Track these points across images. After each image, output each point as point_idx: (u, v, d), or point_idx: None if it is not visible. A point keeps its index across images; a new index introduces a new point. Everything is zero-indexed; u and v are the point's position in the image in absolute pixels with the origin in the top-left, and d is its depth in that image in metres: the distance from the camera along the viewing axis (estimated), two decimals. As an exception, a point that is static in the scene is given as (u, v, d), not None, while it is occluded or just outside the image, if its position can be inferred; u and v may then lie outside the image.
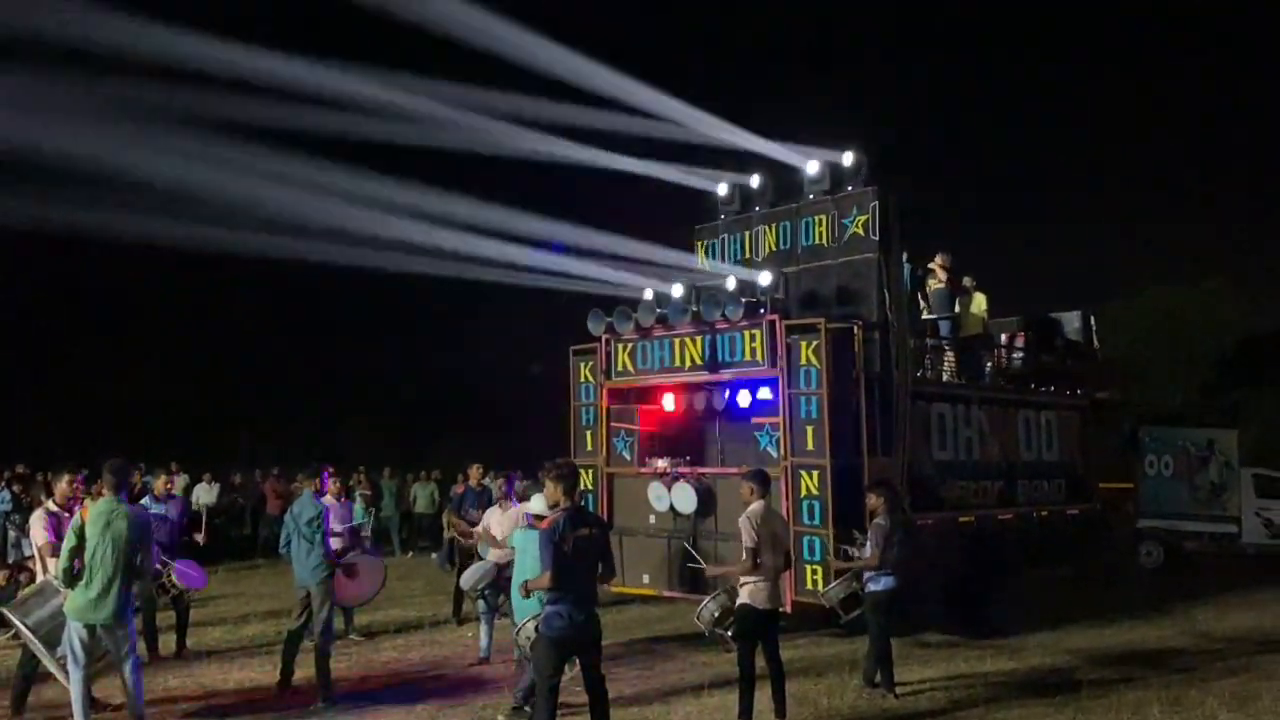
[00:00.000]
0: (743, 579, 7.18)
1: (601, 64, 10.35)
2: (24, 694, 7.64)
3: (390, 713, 7.84)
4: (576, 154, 11.40)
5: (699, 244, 12.80)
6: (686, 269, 12.31)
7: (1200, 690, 8.18)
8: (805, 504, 9.80)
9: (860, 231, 11.10)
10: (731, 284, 11.40)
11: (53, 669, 7.02)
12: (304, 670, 8.41)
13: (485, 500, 11.42)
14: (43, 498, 9.47)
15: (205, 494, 19.49)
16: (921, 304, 12.73)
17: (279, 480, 19.36)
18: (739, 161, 12.25)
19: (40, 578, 7.74)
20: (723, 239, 12.56)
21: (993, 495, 11.86)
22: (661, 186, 12.42)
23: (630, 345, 11.52)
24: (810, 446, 9.85)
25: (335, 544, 9.32)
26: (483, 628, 9.67)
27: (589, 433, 11.94)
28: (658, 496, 10.88)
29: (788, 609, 9.19)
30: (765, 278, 11.29)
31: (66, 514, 7.68)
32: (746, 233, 12.26)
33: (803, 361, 9.98)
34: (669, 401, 11.83)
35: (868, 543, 8.35)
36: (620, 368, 11.63)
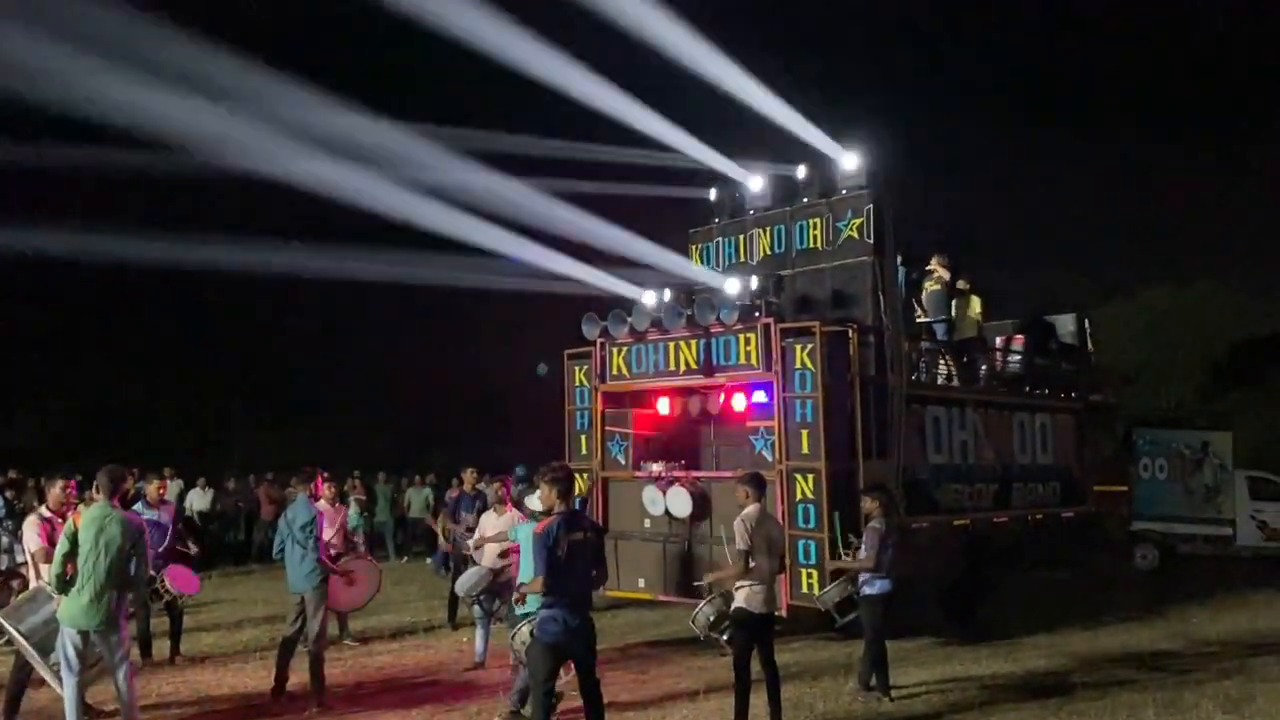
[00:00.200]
0: (738, 583, 7.17)
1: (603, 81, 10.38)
2: (17, 700, 7.60)
3: (385, 718, 7.82)
4: (572, 155, 11.42)
5: (694, 247, 12.81)
6: (681, 272, 12.32)
7: (1195, 692, 8.19)
8: (801, 508, 9.80)
9: (855, 235, 11.12)
10: (726, 287, 11.40)
11: (46, 676, 6.99)
12: (298, 676, 8.37)
13: (480, 505, 11.40)
14: (36, 503, 9.45)
15: (199, 500, 19.44)
16: (916, 307, 12.75)
17: (273, 485, 19.32)
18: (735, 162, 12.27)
19: (33, 584, 7.70)
20: (717, 242, 12.58)
21: (988, 498, 11.87)
22: (656, 188, 12.43)
23: (625, 349, 11.51)
24: (805, 450, 9.85)
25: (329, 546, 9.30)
26: (478, 632, 9.65)
27: (584, 437, 11.93)
28: (653, 500, 10.87)
29: (783, 613, 9.20)
30: (760, 281, 11.31)
31: (60, 519, 7.64)
32: (741, 236, 12.27)
33: (798, 365, 9.98)
34: (664, 405, 11.83)
35: (863, 546, 8.35)
36: (615, 371, 11.62)
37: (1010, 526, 12.00)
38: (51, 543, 7.35)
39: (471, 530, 10.42)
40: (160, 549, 9.45)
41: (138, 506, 9.56)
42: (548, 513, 6.29)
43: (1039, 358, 13.76)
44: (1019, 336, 13.91)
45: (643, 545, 11.05)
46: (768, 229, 12.04)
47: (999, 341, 13.68)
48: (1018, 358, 13.50)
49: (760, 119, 11.40)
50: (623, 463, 11.64)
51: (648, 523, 11.04)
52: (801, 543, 9.72)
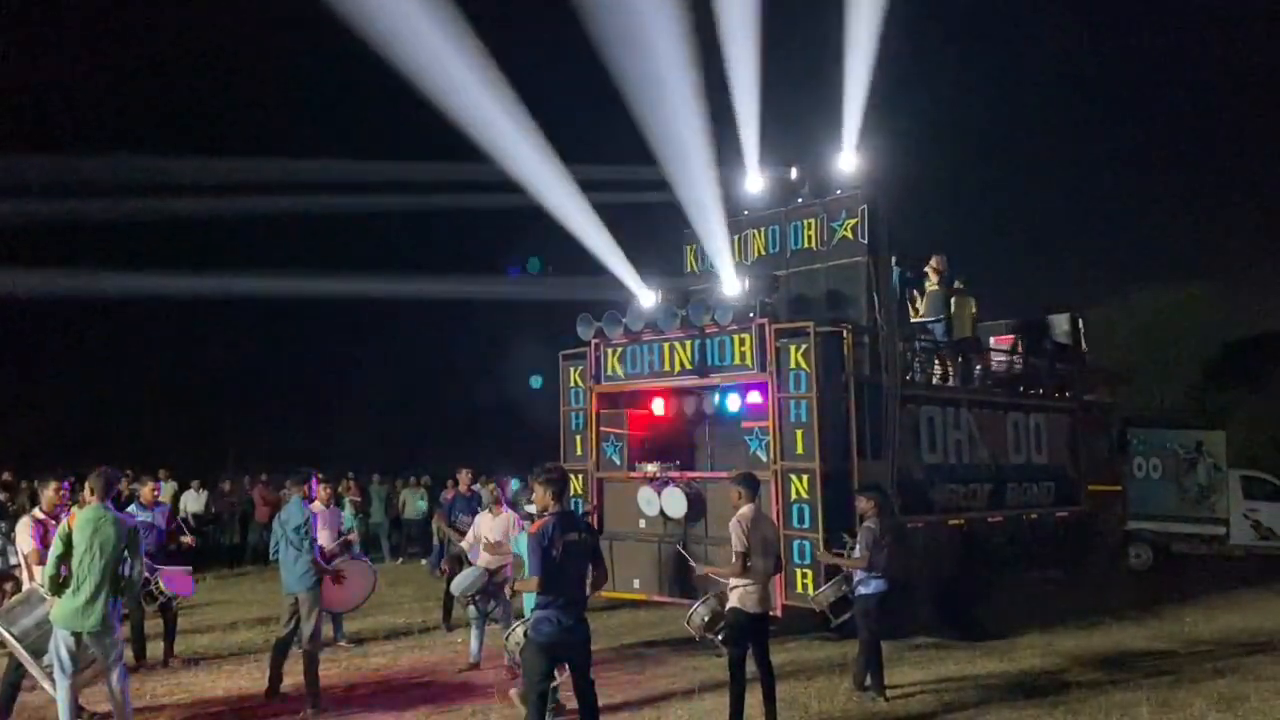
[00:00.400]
0: (733, 583, 7.17)
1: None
2: (10, 702, 7.58)
3: (379, 719, 7.80)
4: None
5: (689, 248, 12.82)
6: (676, 273, 12.34)
7: (1189, 691, 8.21)
8: (795, 508, 9.81)
9: (849, 235, 11.14)
10: (721, 288, 11.41)
11: (39, 678, 6.97)
12: (293, 677, 8.35)
13: (475, 506, 11.39)
14: (29, 505, 9.42)
15: (193, 501, 19.39)
16: (910, 307, 12.77)
17: (267, 487, 19.29)
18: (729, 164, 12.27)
19: (26, 586, 7.68)
20: (712, 243, 12.56)
21: (982, 498, 11.89)
22: (650, 188, 12.43)
23: (620, 350, 11.52)
24: (800, 450, 9.86)
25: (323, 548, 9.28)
26: (473, 633, 9.65)
27: (579, 437, 11.93)
28: (648, 501, 10.87)
29: (778, 613, 9.19)
30: (754, 282, 11.32)
31: (53, 521, 7.63)
32: (736, 237, 12.28)
33: (792, 365, 9.99)
34: (659, 406, 11.85)
35: (858, 546, 8.36)
36: (610, 372, 11.63)
37: (1005, 526, 12.02)
38: (45, 544, 7.33)
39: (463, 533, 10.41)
40: (154, 550, 9.43)
41: (131, 508, 9.53)
42: (543, 513, 6.28)
43: (1033, 358, 13.80)
44: (1013, 336, 13.95)
45: (638, 546, 11.05)
46: (763, 229, 12.06)
47: (993, 341, 13.70)
48: (1011, 357, 13.53)
49: (755, 118, 11.42)
50: (618, 463, 11.64)
51: (643, 523, 11.04)
52: (796, 543, 9.73)
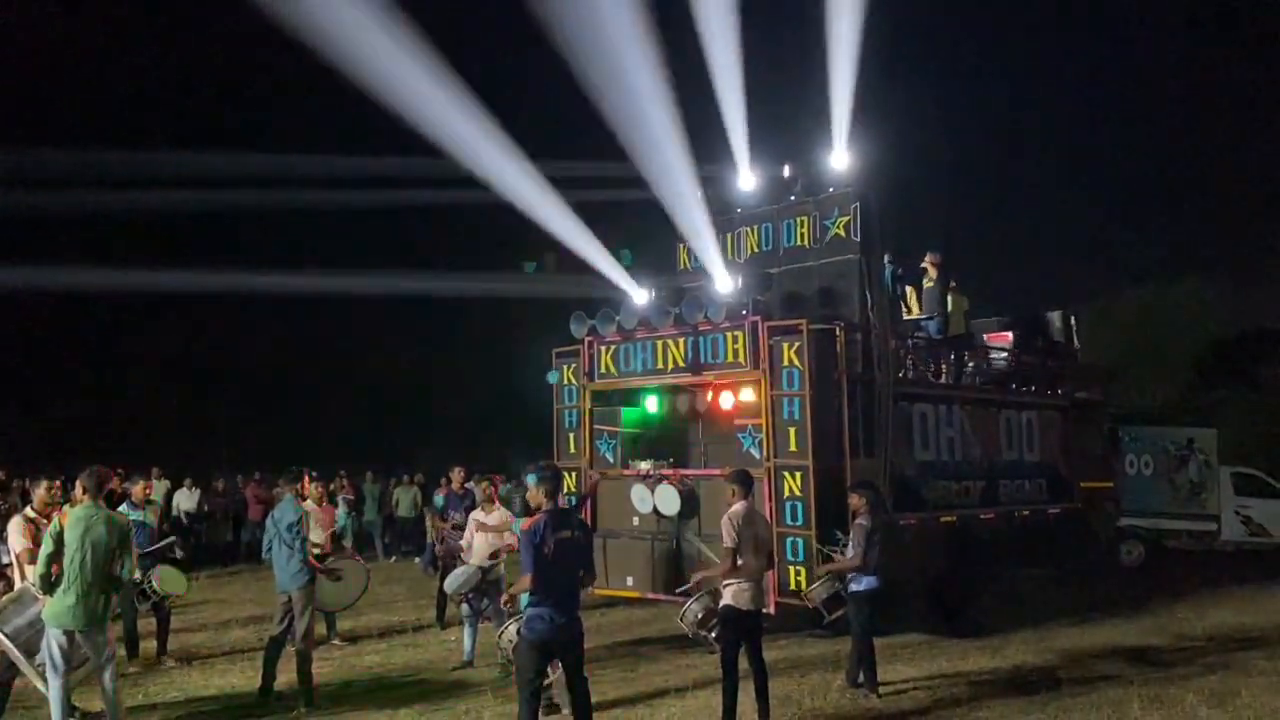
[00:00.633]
0: (725, 580, 7.18)
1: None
2: (3, 701, 7.56)
3: (373, 717, 7.80)
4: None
5: (681, 246, 12.82)
6: (669, 271, 12.34)
7: (1180, 687, 8.24)
8: (788, 505, 9.82)
9: (841, 233, 11.16)
10: (714, 286, 11.42)
11: (31, 676, 6.96)
12: (286, 676, 8.36)
13: (469, 504, 11.38)
14: (20, 504, 9.39)
15: (186, 500, 19.35)
16: (903, 305, 12.79)
17: (260, 485, 19.25)
18: (721, 162, 12.28)
19: (18, 585, 7.67)
20: (705, 241, 12.56)
21: (975, 495, 11.91)
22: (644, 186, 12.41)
23: (613, 347, 11.52)
24: (793, 448, 9.87)
25: (315, 549, 9.27)
26: (466, 631, 9.65)
27: (572, 435, 11.93)
28: (641, 498, 10.88)
29: (771, 610, 9.21)
30: (747, 279, 11.33)
31: (45, 520, 7.61)
32: (729, 234, 12.29)
33: (785, 363, 10.00)
34: (652, 403, 11.85)
35: (850, 543, 8.37)
36: (603, 370, 11.63)
37: (997, 523, 12.03)
38: (37, 543, 7.31)
39: (460, 529, 10.41)
40: (147, 549, 9.41)
41: (123, 507, 9.50)
42: (536, 511, 6.29)
43: (1026, 355, 13.83)
44: (1005, 334, 13.98)
45: (631, 543, 11.06)
46: (755, 227, 12.06)
47: (986, 339, 13.73)
48: (1004, 355, 13.56)
49: (749, 117, 11.42)
50: (611, 461, 11.64)
51: (636, 521, 11.04)
52: (789, 540, 9.74)
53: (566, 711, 6.73)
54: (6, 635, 6.96)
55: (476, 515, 9.80)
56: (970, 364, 12.95)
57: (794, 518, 9.77)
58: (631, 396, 11.87)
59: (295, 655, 8.13)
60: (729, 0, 9.81)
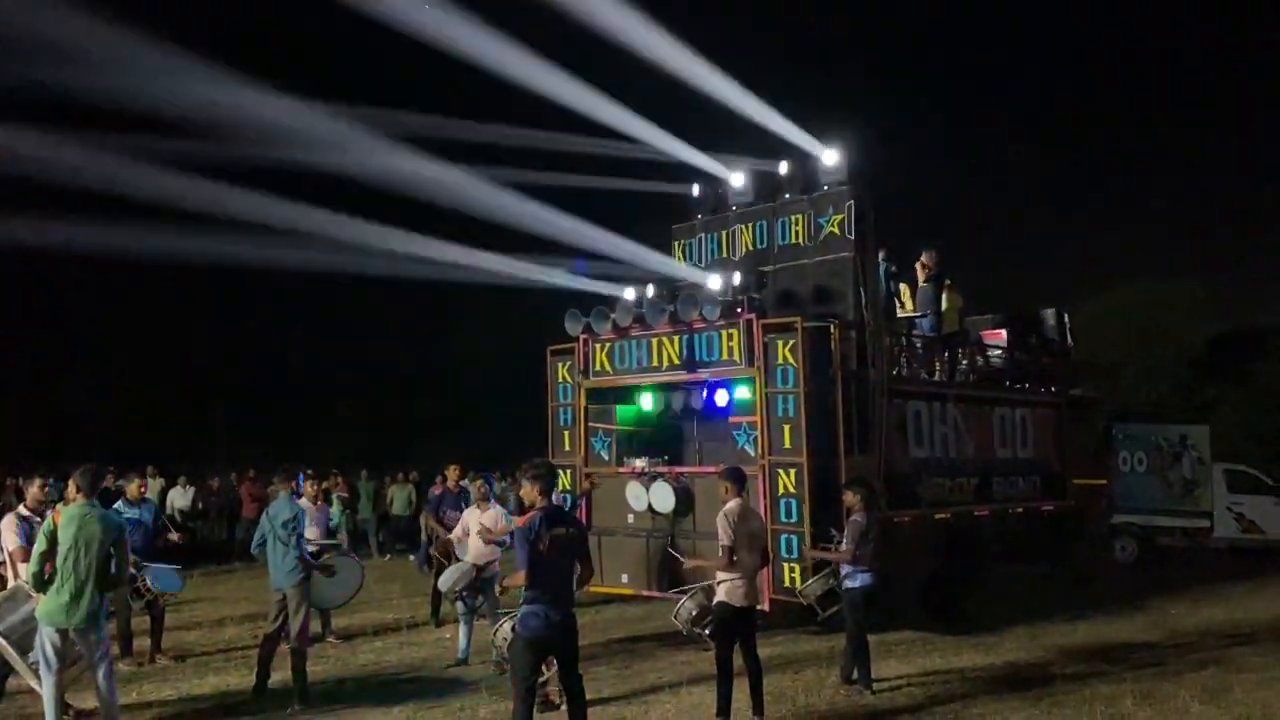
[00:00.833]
0: (720, 576, 7.20)
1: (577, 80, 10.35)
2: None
3: (368, 715, 7.80)
4: (554, 148, 11.40)
5: (676, 243, 12.84)
6: (664, 268, 12.34)
7: (1173, 683, 8.28)
8: (783, 502, 9.84)
9: (836, 231, 11.17)
10: (708, 284, 11.43)
11: (25, 674, 6.95)
12: (281, 674, 8.35)
13: (463, 501, 11.39)
14: (14, 502, 9.38)
15: (180, 498, 19.33)
16: (898, 302, 12.81)
17: (255, 483, 19.24)
18: (717, 159, 12.29)
19: (11, 583, 7.66)
20: (700, 238, 12.60)
21: (969, 492, 11.93)
22: (638, 184, 12.43)
23: (608, 345, 11.52)
24: (788, 445, 9.89)
25: (310, 546, 9.27)
26: (461, 629, 9.65)
27: (567, 433, 11.93)
28: (636, 496, 10.89)
29: (765, 606, 9.23)
30: (742, 277, 11.34)
31: (38, 518, 7.60)
32: (723, 232, 12.30)
33: (780, 360, 10.02)
34: (647, 401, 11.86)
35: (844, 540, 8.39)
36: (598, 368, 11.63)
37: (991, 520, 12.07)
38: (30, 541, 7.30)
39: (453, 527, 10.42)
40: (141, 547, 9.40)
41: (118, 505, 9.50)
42: (531, 508, 6.29)
43: (1020, 352, 13.85)
44: (1000, 331, 14.00)
45: (626, 541, 11.06)
46: (750, 225, 12.07)
47: (980, 336, 13.75)
48: (998, 352, 13.58)
49: (742, 115, 11.43)
50: (606, 458, 11.65)
51: (631, 518, 11.05)
52: (784, 537, 9.76)
53: (562, 707, 6.74)
54: (0, 633, 6.95)
55: (472, 513, 9.81)
56: (964, 361, 12.98)
57: (788, 515, 9.79)
58: (627, 394, 11.88)
59: (290, 653, 8.12)
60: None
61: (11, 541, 7.78)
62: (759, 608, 7.86)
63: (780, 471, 9.89)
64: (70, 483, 7.01)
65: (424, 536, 15.96)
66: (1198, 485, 17.66)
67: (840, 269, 11.04)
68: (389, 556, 19.72)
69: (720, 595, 7.23)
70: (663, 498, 10.65)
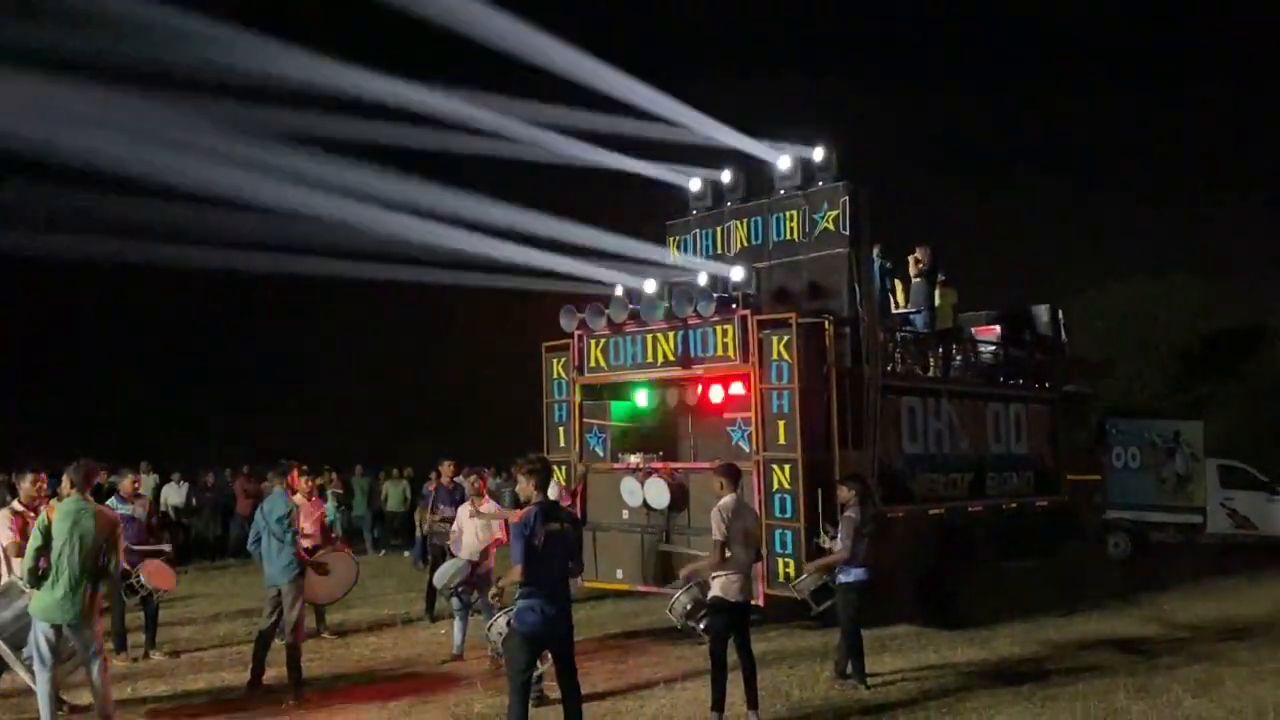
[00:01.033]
0: (715, 572, 7.21)
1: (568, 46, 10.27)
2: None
3: (363, 711, 7.81)
4: (548, 145, 11.35)
5: (671, 239, 12.83)
6: (659, 264, 12.34)
7: (1166, 677, 8.31)
8: (777, 498, 9.86)
9: (831, 226, 11.17)
10: (703, 279, 11.43)
11: (19, 670, 6.94)
12: (275, 669, 8.35)
13: (458, 497, 11.39)
14: (8, 497, 9.35)
15: (174, 494, 19.29)
16: (892, 298, 12.82)
17: (249, 479, 19.22)
18: (710, 156, 12.29)
19: (5, 578, 7.64)
20: (694, 234, 12.59)
21: (963, 488, 11.97)
22: (632, 181, 12.42)
23: (603, 341, 11.52)
24: (782, 441, 9.90)
25: (305, 542, 9.26)
26: (456, 625, 9.66)
27: (562, 429, 11.94)
28: (631, 492, 10.90)
29: (760, 601, 9.24)
30: (737, 273, 11.35)
31: (32, 514, 7.59)
32: (718, 228, 12.29)
33: (774, 356, 10.03)
34: (642, 397, 11.86)
35: (839, 535, 8.41)
36: (593, 364, 11.63)
37: (985, 516, 12.09)
38: (24, 537, 7.29)
39: (449, 522, 10.42)
40: (135, 543, 9.39)
41: (112, 501, 9.48)
42: (526, 504, 6.29)
43: (1014, 348, 13.88)
44: (994, 327, 14.02)
45: (621, 536, 11.08)
46: (745, 220, 12.06)
47: (974, 332, 13.77)
48: (992, 348, 13.61)
49: (737, 110, 11.42)
50: (601, 454, 11.66)
51: (626, 514, 11.06)
52: (778, 532, 9.78)
53: (555, 696, 6.75)
54: (-7, 629, 6.94)
55: (467, 509, 9.81)
56: (959, 357, 13.00)
57: (783, 510, 9.80)
58: (621, 390, 11.88)
59: (285, 648, 8.13)
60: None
61: (5, 537, 7.76)
62: (753, 602, 7.88)
63: (775, 467, 9.91)
64: (64, 478, 7.00)
65: (419, 533, 15.99)
66: (1191, 481, 17.70)
67: (835, 265, 11.04)
68: (384, 553, 19.72)
69: (715, 590, 7.24)
70: (657, 494, 10.66)
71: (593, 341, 11.61)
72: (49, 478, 8.32)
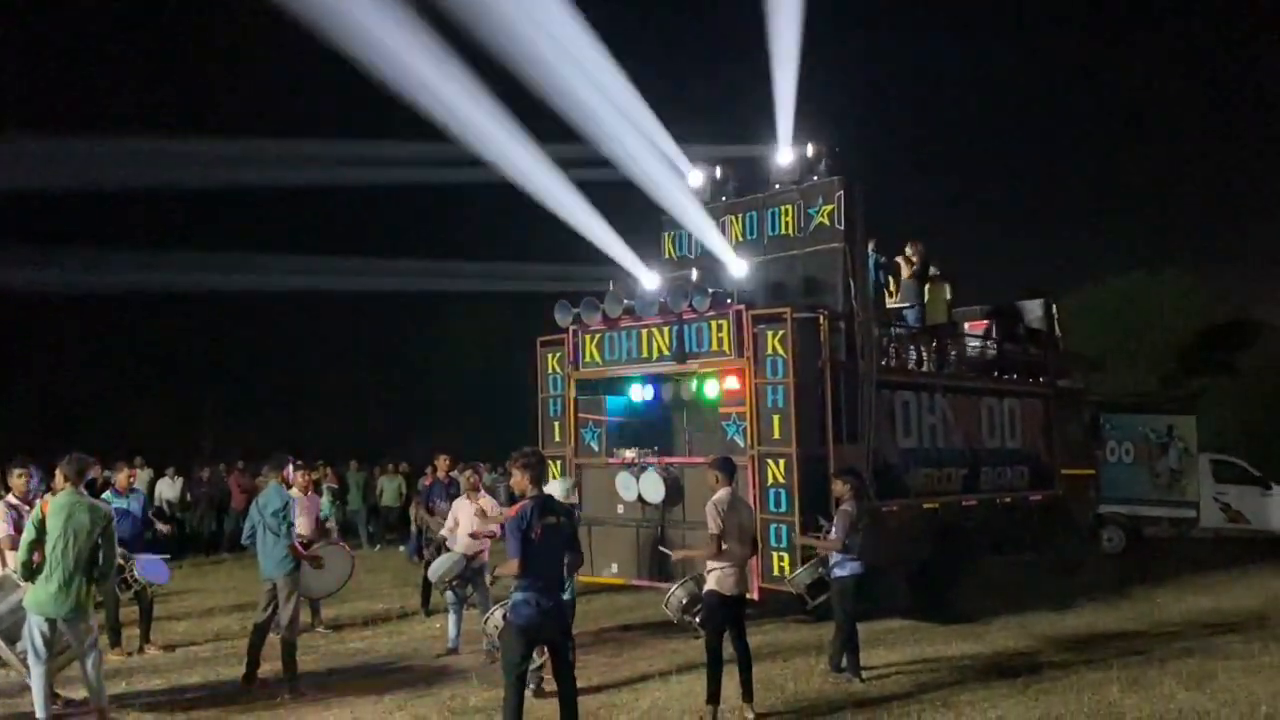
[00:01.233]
0: (710, 565, 7.22)
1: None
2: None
3: (358, 704, 7.81)
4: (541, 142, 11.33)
5: (666, 234, 12.83)
6: (654, 259, 12.34)
7: (1159, 670, 8.35)
8: (772, 492, 9.87)
9: (826, 221, 11.18)
10: (698, 274, 11.43)
11: (13, 664, 6.94)
12: (270, 663, 8.35)
13: (453, 492, 11.39)
14: (3, 491, 9.32)
15: (169, 489, 19.28)
16: (887, 293, 12.83)
17: (244, 474, 19.20)
18: (705, 151, 12.28)
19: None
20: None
21: (957, 482, 11.98)
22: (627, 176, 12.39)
23: (597, 336, 11.52)
24: (777, 435, 9.91)
25: (300, 533, 9.26)
26: (451, 618, 9.67)
27: (557, 424, 11.94)
28: (626, 486, 10.91)
29: (755, 595, 9.26)
30: (732, 268, 11.34)
31: (27, 507, 7.58)
32: (713, 223, 12.28)
33: (769, 351, 10.03)
34: (637, 392, 11.86)
35: (833, 529, 8.43)
36: (588, 359, 11.64)
37: (979, 510, 12.12)
38: (18, 530, 7.28)
39: (444, 516, 10.42)
40: (129, 538, 9.37)
41: (107, 495, 9.47)
42: (521, 498, 6.30)
43: (1007, 343, 13.90)
44: (987, 322, 14.04)
45: (616, 530, 11.08)
46: (740, 215, 12.07)
47: (968, 327, 13.80)
48: (986, 343, 13.62)
49: (733, 106, 11.42)
50: (596, 449, 11.66)
51: (621, 508, 11.07)
52: (773, 526, 9.79)
53: (551, 689, 6.76)
54: (-12, 622, 6.93)
55: (461, 504, 9.81)
56: (953, 352, 13.02)
57: (778, 505, 9.82)
58: (616, 385, 11.88)
59: (280, 643, 8.12)
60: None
61: (0, 530, 7.75)
62: (748, 596, 7.90)
63: (769, 461, 9.92)
64: (57, 472, 6.99)
65: (414, 527, 15.98)
66: (1184, 475, 17.78)
67: (830, 260, 11.05)
68: (379, 547, 19.71)
69: (710, 584, 7.25)
70: (652, 488, 10.67)
71: (587, 336, 11.61)
72: (40, 472, 8.30)
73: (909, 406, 11.45)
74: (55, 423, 28.01)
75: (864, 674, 8.19)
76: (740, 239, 11.99)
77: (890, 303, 12.84)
